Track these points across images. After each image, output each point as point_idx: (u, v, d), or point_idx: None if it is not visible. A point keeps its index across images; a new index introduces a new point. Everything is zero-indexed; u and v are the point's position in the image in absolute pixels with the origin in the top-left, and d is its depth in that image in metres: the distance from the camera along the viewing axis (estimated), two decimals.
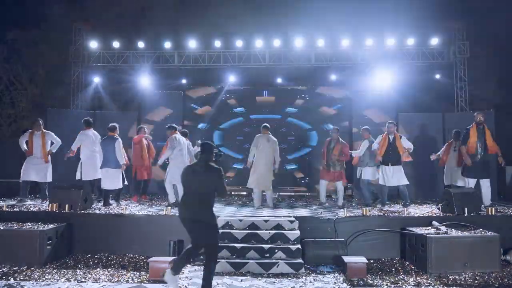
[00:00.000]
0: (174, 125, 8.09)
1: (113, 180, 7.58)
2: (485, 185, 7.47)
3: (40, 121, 8.28)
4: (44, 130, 8.20)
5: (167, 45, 11.84)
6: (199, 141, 8.41)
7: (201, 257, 5.95)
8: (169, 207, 6.99)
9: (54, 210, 6.58)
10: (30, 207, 7.24)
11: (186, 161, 7.72)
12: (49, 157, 8.15)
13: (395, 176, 7.61)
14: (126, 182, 7.90)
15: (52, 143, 8.23)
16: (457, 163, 8.12)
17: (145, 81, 11.94)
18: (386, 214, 6.76)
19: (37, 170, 8.03)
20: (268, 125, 8.03)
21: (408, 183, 7.72)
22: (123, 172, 7.76)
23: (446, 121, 10.18)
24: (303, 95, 11.18)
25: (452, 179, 8.41)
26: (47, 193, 8.10)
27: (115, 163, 7.55)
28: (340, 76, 12.43)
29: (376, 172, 8.02)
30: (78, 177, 8.12)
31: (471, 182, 7.53)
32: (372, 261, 5.87)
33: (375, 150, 7.79)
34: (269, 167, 7.73)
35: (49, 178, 8.21)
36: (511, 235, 6.05)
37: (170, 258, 5.21)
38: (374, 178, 8.12)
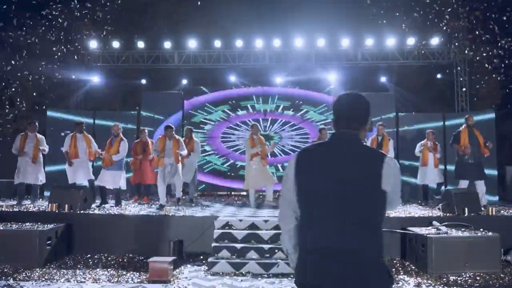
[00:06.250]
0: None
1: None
2: (480, 186, 7.47)
3: (36, 123, 8.07)
4: (37, 134, 7.96)
5: (167, 45, 11.82)
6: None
7: (201, 257, 6.00)
8: (169, 207, 6.98)
9: (54, 210, 6.57)
10: (30, 207, 7.22)
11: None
12: (41, 158, 7.94)
13: None
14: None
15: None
16: (434, 163, 8.20)
17: (144, 81, 11.92)
18: (385, 214, 6.75)
19: (29, 172, 7.78)
20: (258, 124, 8.29)
21: None
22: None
23: (446, 121, 10.16)
24: (303, 95, 11.16)
25: (426, 179, 8.33)
26: (40, 194, 7.92)
27: None
28: (340, 76, 12.43)
29: None
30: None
31: (462, 184, 7.54)
32: None
33: None
34: (262, 165, 7.92)
35: (43, 180, 8.01)
36: (511, 235, 6.04)
37: (170, 258, 5.21)
38: None
